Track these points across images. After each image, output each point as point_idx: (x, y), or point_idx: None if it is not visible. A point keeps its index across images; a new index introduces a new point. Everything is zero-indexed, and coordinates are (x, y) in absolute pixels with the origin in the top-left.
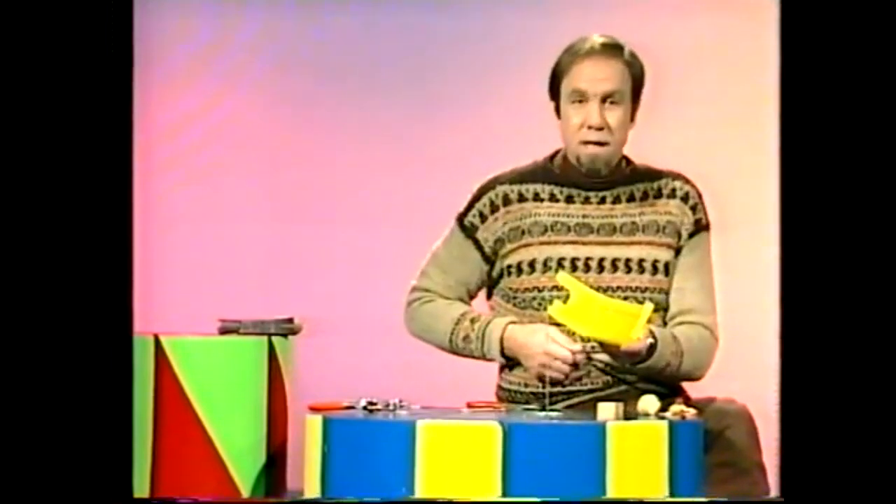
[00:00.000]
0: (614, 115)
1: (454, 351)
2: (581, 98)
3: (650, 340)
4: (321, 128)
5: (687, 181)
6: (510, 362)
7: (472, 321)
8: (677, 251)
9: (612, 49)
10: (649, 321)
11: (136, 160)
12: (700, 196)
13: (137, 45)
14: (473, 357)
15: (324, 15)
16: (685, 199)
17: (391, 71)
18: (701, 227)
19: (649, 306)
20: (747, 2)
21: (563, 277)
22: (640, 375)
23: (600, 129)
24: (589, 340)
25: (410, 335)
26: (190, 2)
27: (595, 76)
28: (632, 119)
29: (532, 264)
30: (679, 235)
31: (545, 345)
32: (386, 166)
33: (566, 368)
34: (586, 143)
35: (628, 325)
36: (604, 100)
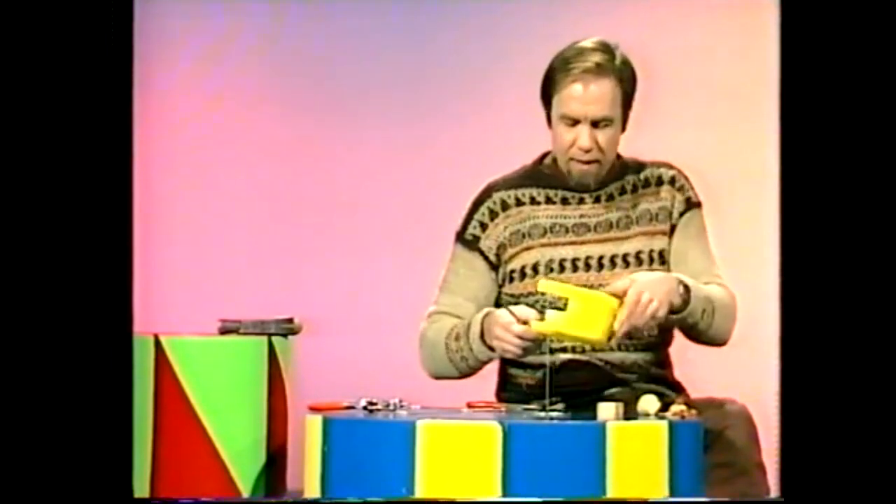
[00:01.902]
0: (605, 135)
1: (451, 361)
2: (571, 122)
3: (681, 290)
4: (322, 128)
5: (671, 166)
6: (492, 352)
7: (463, 322)
8: (671, 231)
9: (603, 67)
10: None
11: (137, 160)
12: (686, 178)
13: (137, 46)
14: (467, 362)
15: (324, 17)
16: (672, 182)
17: (391, 72)
18: (692, 204)
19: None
20: (748, 0)
21: (544, 284)
22: (678, 326)
23: (589, 150)
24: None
25: (429, 377)
26: (190, 2)
27: (585, 100)
28: (623, 129)
29: (535, 267)
30: (671, 216)
31: (494, 329)
32: (386, 167)
33: (517, 350)
34: (577, 160)
35: (605, 311)
36: (594, 124)
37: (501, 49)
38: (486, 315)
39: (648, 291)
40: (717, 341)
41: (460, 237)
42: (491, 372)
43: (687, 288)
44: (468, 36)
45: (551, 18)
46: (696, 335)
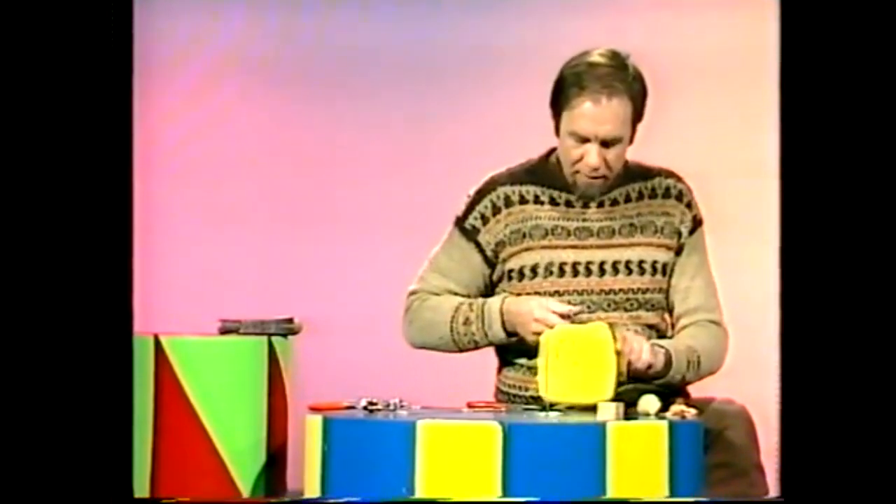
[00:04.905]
0: (613, 152)
1: (455, 342)
2: (580, 139)
3: (662, 355)
4: (321, 128)
5: (679, 179)
6: (511, 339)
7: (471, 305)
8: (678, 250)
9: (616, 88)
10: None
11: (136, 161)
12: (691, 192)
13: (137, 46)
14: (475, 344)
15: (325, 17)
16: (679, 197)
17: (390, 73)
18: (697, 222)
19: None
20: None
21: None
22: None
23: (597, 168)
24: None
25: (410, 345)
26: (191, 3)
27: (596, 120)
28: (630, 142)
29: (534, 269)
30: (679, 234)
31: (535, 311)
32: (385, 166)
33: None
34: (583, 174)
35: (603, 353)
36: (603, 143)
37: (503, 48)
38: (507, 305)
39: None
40: (708, 376)
41: (459, 224)
42: (491, 372)
43: (668, 358)
44: (470, 33)
45: (552, 18)
46: (686, 384)
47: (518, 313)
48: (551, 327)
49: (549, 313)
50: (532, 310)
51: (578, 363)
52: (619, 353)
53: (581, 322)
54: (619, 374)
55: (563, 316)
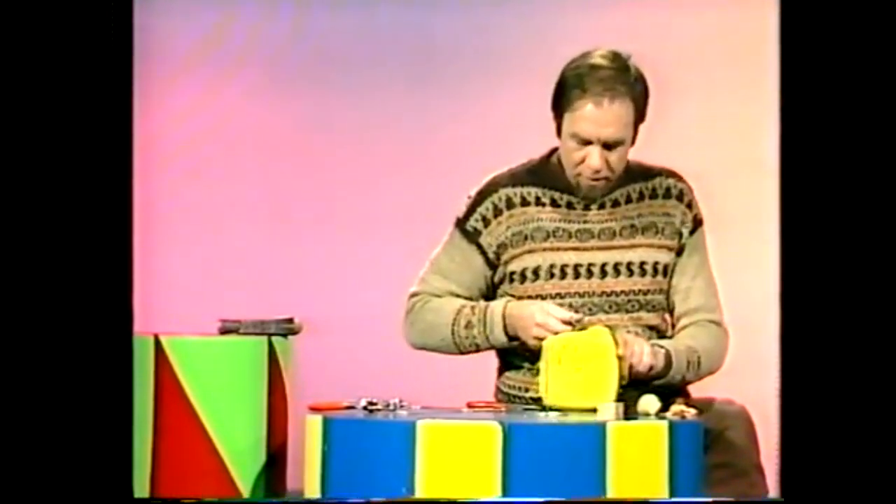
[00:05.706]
0: (615, 155)
1: (457, 345)
2: (583, 142)
3: (663, 356)
4: (322, 128)
5: (680, 178)
6: (512, 343)
7: (473, 308)
8: (679, 251)
9: (618, 91)
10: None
11: (137, 160)
12: (692, 191)
13: (137, 44)
14: (477, 347)
15: (325, 16)
16: (680, 197)
17: (391, 71)
18: (698, 222)
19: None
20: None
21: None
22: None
23: (599, 170)
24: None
25: (411, 346)
26: (192, 3)
27: (599, 123)
28: (632, 142)
29: (536, 271)
30: (680, 235)
31: (537, 316)
32: (386, 167)
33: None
34: (585, 177)
35: (604, 358)
36: (606, 145)
37: (504, 47)
38: (510, 309)
39: (636, 345)
40: (707, 376)
41: (461, 225)
42: (491, 372)
43: (668, 358)
44: (472, 33)
45: (553, 16)
46: (686, 384)
47: (520, 317)
48: (553, 332)
49: (550, 318)
50: (534, 314)
51: (580, 369)
52: (620, 358)
53: (583, 327)
54: (621, 378)
55: (565, 322)
